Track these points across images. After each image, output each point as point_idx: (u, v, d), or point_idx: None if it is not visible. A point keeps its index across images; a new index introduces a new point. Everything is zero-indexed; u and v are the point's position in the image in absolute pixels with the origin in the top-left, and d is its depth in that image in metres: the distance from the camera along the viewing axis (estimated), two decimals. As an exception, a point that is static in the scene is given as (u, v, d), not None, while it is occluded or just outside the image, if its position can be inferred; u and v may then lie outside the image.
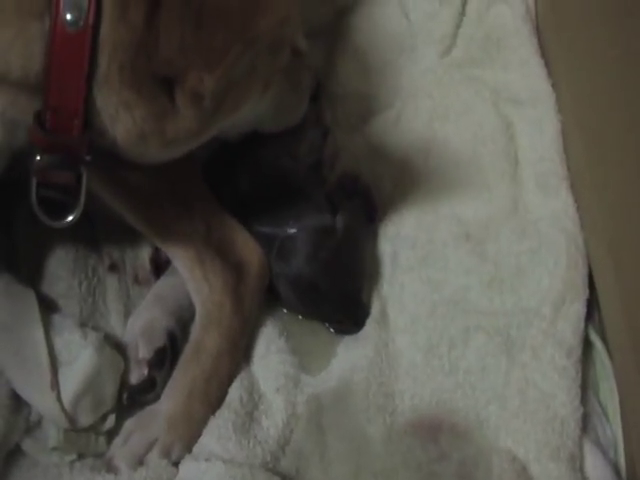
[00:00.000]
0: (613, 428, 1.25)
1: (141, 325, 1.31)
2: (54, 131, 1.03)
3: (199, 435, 1.24)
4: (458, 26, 1.67)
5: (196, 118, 1.06)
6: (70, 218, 1.13)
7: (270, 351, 1.32)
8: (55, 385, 1.22)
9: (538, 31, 1.63)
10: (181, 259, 1.31)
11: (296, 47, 1.27)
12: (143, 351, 1.29)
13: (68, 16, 0.95)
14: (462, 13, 1.68)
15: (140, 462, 1.22)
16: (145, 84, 1.01)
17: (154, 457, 1.22)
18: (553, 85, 1.54)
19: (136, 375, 1.28)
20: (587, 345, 1.32)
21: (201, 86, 1.03)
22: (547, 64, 1.58)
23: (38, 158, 1.07)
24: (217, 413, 1.25)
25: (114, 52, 0.98)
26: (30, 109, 1.02)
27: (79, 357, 1.24)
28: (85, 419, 1.23)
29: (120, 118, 1.03)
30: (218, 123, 1.12)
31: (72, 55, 0.97)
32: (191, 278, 1.31)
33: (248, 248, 1.33)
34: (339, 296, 1.34)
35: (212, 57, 1.01)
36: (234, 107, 1.12)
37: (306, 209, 1.35)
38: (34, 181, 1.11)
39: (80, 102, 1.00)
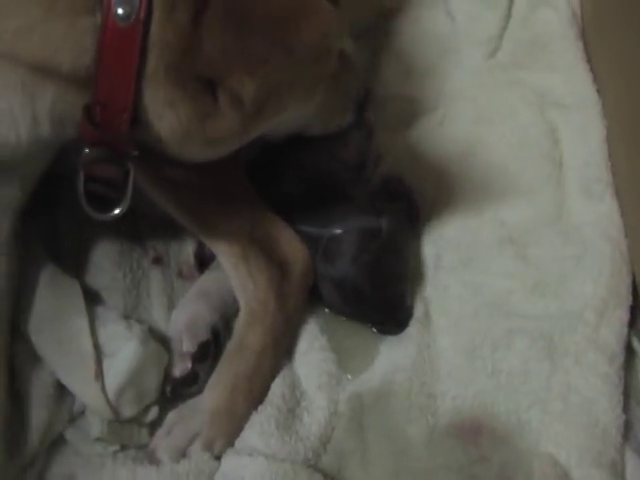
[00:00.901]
0: (655, 437, 1.26)
1: (185, 319, 1.33)
2: (102, 125, 1.04)
3: (241, 430, 1.25)
4: (504, 28, 1.67)
5: (237, 119, 1.07)
6: (116, 212, 1.14)
7: (312, 349, 1.33)
8: (99, 376, 1.23)
9: (583, 36, 1.63)
10: (226, 255, 1.32)
11: (344, 53, 1.27)
12: (187, 345, 1.30)
13: (120, 10, 0.97)
14: (508, 15, 1.68)
15: (182, 455, 1.23)
16: (189, 83, 1.02)
17: (196, 450, 1.23)
18: (598, 90, 1.54)
19: (180, 368, 1.29)
20: (629, 352, 1.31)
21: (242, 90, 1.03)
22: (592, 69, 1.58)
23: (86, 151, 1.08)
24: (259, 409, 1.26)
25: (161, 50, 0.99)
26: (79, 103, 1.03)
27: (123, 349, 1.25)
28: (128, 410, 1.24)
29: (166, 115, 1.04)
30: (260, 125, 1.12)
31: (123, 49, 0.98)
32: (235, 275, 1.32)
33: (293, 246, 1.34)
34: (383, 298, 1.35)
35: (253, 62, 1.02)
36: (276, 111, 1.12)
37: (351, 211, 1.36)
38: (81, 174, 1.12)
39: (129, 97, 1.01)
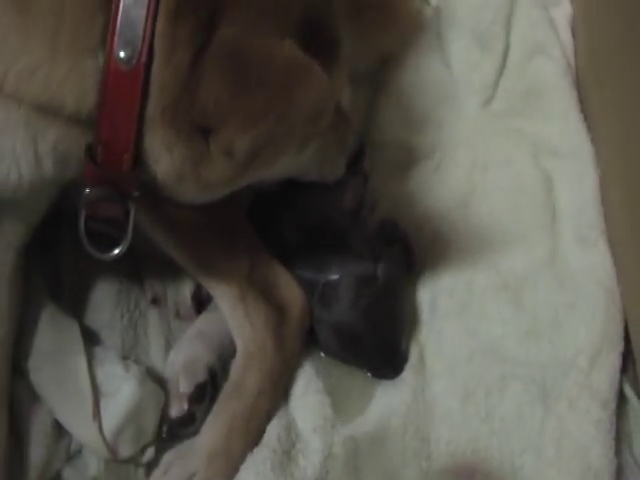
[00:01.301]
0: (646, 482, 1.27)
1: (182, 360, 1.33)
2: (104, 165, 1.05)
3: (237, 471, 1.25)
4: (499, 77, 1.69)
5: (230, 167, 1.07)
6: (117, 251, 1.16)
7: (308, 392, 1.33)
8: (97, 415, 1.24)
9: (578, 85, 1.65)
10: (224, 297, 1.34)
11: (340, 105, 1.29)
12: (184, 386, 1.30)
13: (122, 54, 0.98)
14: (503, 65, 1.70)
15: (179, 495, 1.24)
16: (184, 128, 1.03)
17: (193, 491, 1.24)
18: (592, 139, 1.56)
19: (176, 409, 1.30)
20: (621, 397, 1.33)
21: (233, 144, 1.04)
22: (586, 118, 1.60)
23: (88, 191, 1.10)
24: (255, 450, 1.27)
25: (160, 93, 1.01)
26: (81, 143, 1.05)
27: (121, 389, 1.26)
28: (125, 450, 1.25)
29: (162, 157, 1.05)
30: (252, 174, 1.13)
31: (125, 92, 1.00)
32: (233, 317, 1.33)
33: (290, 290, 1.35)
34: (379, 343, 1.36)
35: (247, 120, 1.02)
36: (268, 162, 1.12)
37: (348, 256, 1.37)
38: (83, 213, 1.13)
39: (131, 138, 1.03)
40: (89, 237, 1.15)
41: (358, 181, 1.47)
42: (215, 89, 1.01)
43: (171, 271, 1.41)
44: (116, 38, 0.98)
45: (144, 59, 0.99)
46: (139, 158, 1.05)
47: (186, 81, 1.00)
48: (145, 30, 0.98)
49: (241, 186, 1.17)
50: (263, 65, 1.01)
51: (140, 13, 0.98)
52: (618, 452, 1.28)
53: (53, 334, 1.30)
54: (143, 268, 1.44)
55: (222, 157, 1.06)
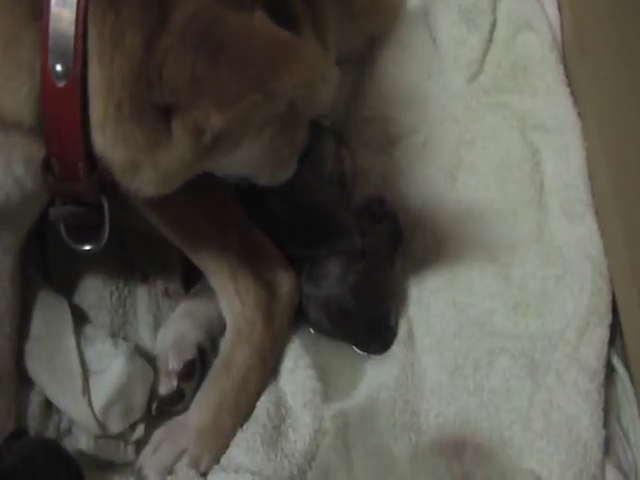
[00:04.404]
0: (634, 453, 1.27)
1: (172, 337, 1.34)
2: (62, 177, 1.03)
3: (227, 447, 1.26)
4: (485, 52, 1.68)
5: (190, 150, 1.02)
6: (88, 248, 1.15)
7: (298, 366, 1.34)
8: (86, 391, 1.25)
9: (564, 59, 1.65)
10: (214, 275, 1.34)
11: (293, 102, 1.24)
12: (173, 363, 1.31)
13: (58, 67, 0.94)
14: (489, 40, 1.69)
15: (169, 472, 1.25)
16: (144, 113, 0.98)
17: (183, 467, 1.25)
18: (579, 114, 1.56)
19: (165, 386, 1.30)
20: (609, 370, 1.34)
21: (206, 121, 0.98)
22: (573, 92, 1.60)
23: (52, 212, 1.11)
24: (245, 426, 1.28)
25: (109, 91, 0.96)
26: (41, 158, 1.03)
27: (110, 366, 1.26)
28: (115, 426, 1.26)
29: (118, 151, 1.00)
30: (211, 160, 1.08)
31: (65, 105, 0.96)
32: (224, 294, 1.33)
33: (280, 267, 1.36)
34: (368, 319, 1.36)
35: (226, 97, 0.96)
36: (229, 148, 1.07)
37: (336, 232, 1.38)
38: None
39: (79, 147, 0.99)
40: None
41: (329, 142, 1.48)
42: (188, 65, 0.95)
43: (160, 250, 1.41)
44: (49, 51, 0.94)
45: (79, 68, 0.95)
46: (94, 163, 1.02)
47: (142, 65, 0.95)
48: (76, 37, 0.94)
49: (196, 174, 1.10)
50: (246, 40, 0.95)
51: (70, 21, 0.93)
52: (606, 423, 1.28)
53: (43, 315, 1.31)
54: (132, 247, 1.44)
55: (185, 138, 1.00)
